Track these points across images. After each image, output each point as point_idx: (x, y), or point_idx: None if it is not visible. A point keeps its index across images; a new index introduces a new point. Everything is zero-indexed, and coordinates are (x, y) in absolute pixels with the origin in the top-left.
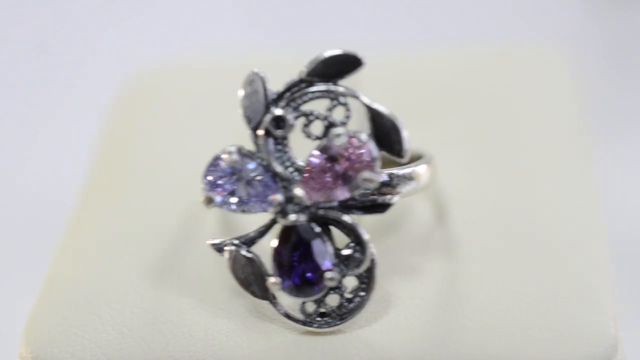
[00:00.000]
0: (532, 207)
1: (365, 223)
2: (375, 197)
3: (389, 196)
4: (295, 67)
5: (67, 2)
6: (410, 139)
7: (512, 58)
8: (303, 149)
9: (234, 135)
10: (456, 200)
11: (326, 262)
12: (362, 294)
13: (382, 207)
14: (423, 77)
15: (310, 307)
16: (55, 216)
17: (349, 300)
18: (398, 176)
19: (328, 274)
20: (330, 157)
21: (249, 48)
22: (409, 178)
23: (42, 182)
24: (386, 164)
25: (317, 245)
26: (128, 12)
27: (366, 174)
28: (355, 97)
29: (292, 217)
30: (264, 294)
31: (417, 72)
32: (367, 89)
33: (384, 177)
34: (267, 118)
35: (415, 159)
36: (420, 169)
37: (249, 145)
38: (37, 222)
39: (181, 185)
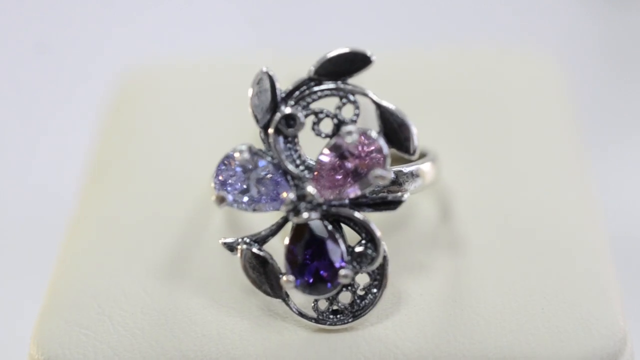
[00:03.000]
0: (534, 204)
1: (373, 220)
2: (385, 194)
3: (399, 193)
4: (293, 66)
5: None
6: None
7: (509, 59)
8: (313, 147)
9: (236, 132)
10: (460, 197)
11: (340, 260)
12: (375, 291)
13: (393, 204)
14: (422, 77)
15: (323, 304)
16: (55, 215)
17: (361, 298)
18: (405, 174)
19: (342, 272)
20: (341, 155)
21: (247, 47)
22: (415, 175)
23: (41, 181)
24: (392, 162)
25: (330, 243)
26: (124, 10)
27: (377, 172)
28: (364, 94)
29: (305, 215)
30: (277, 292)
31: (417, 72)
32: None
33: (392, 174)
34: (277, 116)
35: (420, 157)
36: (426, 167)
37: (256, 144)
38: (38, 221)
39: (186, 183)
